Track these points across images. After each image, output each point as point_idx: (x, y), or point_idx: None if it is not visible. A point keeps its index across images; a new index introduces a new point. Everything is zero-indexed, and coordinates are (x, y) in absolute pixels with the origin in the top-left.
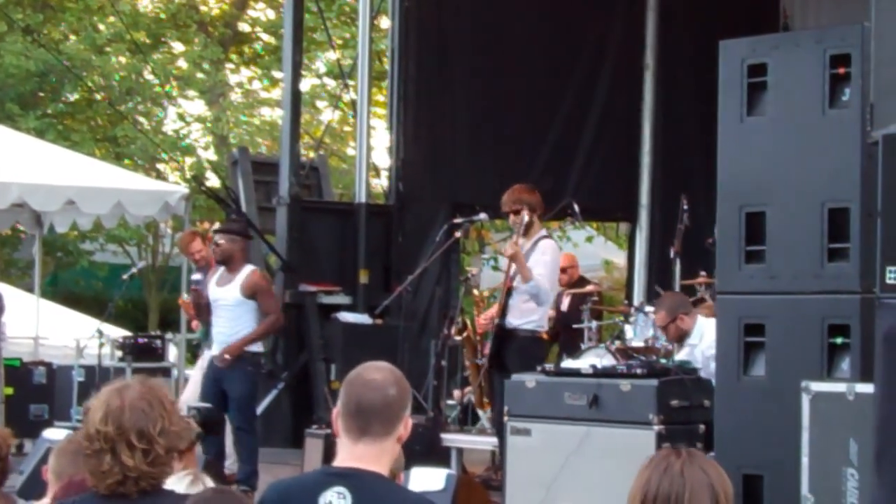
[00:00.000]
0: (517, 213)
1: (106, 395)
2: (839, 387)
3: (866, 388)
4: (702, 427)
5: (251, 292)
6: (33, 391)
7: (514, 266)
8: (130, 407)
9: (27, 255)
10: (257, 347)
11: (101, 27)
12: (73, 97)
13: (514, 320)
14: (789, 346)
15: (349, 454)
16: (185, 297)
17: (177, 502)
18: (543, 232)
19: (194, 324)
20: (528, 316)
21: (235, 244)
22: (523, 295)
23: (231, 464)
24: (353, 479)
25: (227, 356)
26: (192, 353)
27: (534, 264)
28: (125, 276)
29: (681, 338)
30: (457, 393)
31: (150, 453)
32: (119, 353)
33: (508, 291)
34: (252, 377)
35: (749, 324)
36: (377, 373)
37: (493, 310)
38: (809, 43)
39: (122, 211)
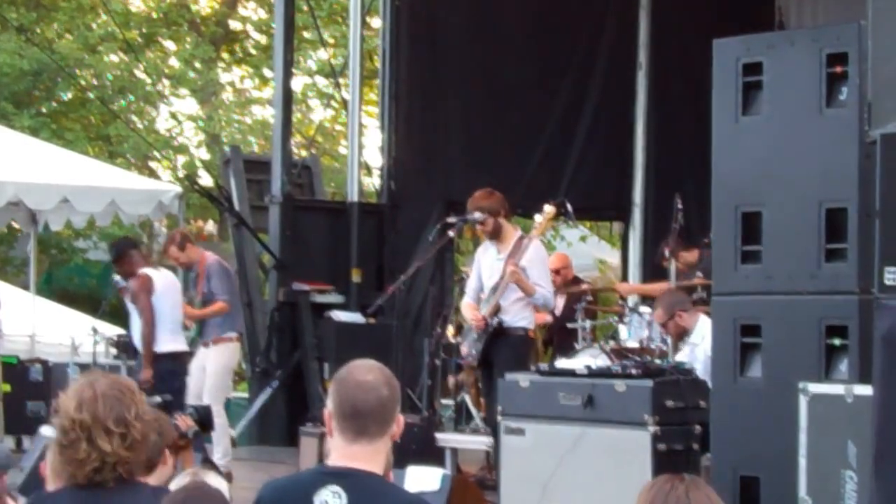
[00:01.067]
0: (484, 223)
1: (77, 386)
2: (837, 389)
3: (865, 389)
4: (697, 428)
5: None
6: (30, 388)
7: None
8: (103, 395)
9: (22, 253)
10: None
11: (94, 26)
12: (67, 96)
13: (506, 317)
14: (786, 347)
15: (344, 454)
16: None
17: (153, 493)
18: (519, 232)
19: (188, 322)
20: (520, 314)
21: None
22: (512, 297)
23: (220, 458)
24: (348, 478)
25: None
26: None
27: (527, 264)
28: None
29: (681, 335)
30: (452, 379)
31: (128, 437)
32: (114, 351)
33: (502, 292)
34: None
35: (745, 325)
36: (369, 373)
37: (486, 310)
38: (805, 41)
39: (116, 209)
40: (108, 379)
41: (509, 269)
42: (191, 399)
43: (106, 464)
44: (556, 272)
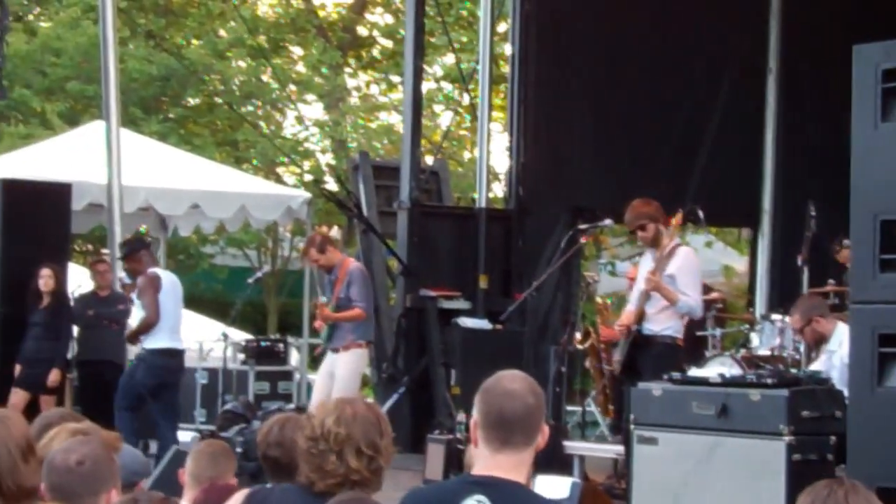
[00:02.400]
0: (643, 228)
1: (337, 402)
2: None
3: None
4: (833, 438)
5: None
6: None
7: (648, 285)
8: (362, 416)
9: None
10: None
11: (222, 32)
12: (195, 101)
13: (652, 327)
14: None
15: (489, 463)
16: (322, 299)
17: None
18: (677, 240)
19: (318, 324)
20: (666, 323)
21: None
22: (661, 303)
23: None
24: (493, 487)
25: None
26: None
27: (675, 272)
28: (251, 280)
29: (818, 342)
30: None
31: (374, 462)
32: (242, 357)
33: (646, 297)
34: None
35: (884, 334)
36: (515, 382)
37: (626, 318)
38: None
39: (245, 215)
40: (367, 404)
41: (646, 277)
42: (312, 406)
43: (348, 480)
44: None
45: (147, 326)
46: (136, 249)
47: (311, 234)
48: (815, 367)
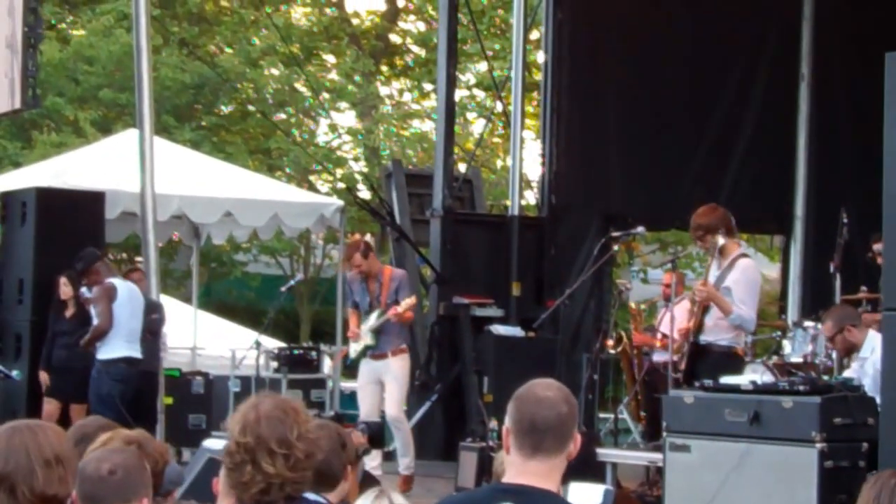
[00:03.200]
0: (701, 238)
1: (242, 409)
2: None
3: None
4: (865, 445)
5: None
6: (192, 401)
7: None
8: (266, 417)
9: (182, 266)
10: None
11: (255, 40)
12: (228, 109)
13: (709, 336)
14: None
15: (520, 471)
16: (350, 307)
17: None
18: (741, 250)
19: (351, 332)
20: (723, 332)
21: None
22: (718, 312)
23: (406, 468)
24: (523, 495)
25: None
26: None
27: (732, 284)
28: (284, 289)
29: (849, 350)
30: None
31: (291, 458)
32: (274, 364)
33: (704, 309)
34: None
35: None
36: (548, 390)
37: (685, 326)
38: None
39: (278, 223)
40: (273, 400)
41: (698, 288)
42: (364, 415)
43: (272, 485)
44: None
45: (99, 333)
46: (91, 262)
47: (353, 240)
48: (847, 374)
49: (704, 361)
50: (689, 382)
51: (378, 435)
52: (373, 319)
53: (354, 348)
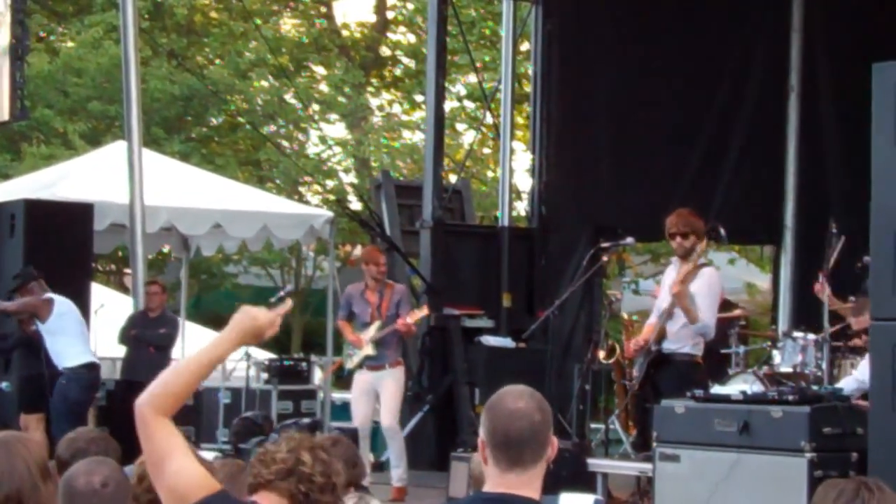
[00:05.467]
0: (685, 236)
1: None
2: None
3: None
4: (855, 455)
5: None
6: (181, 413)
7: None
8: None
9: (172, 278)
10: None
11: (245, 52)
12: (217, 121)
13: (671, 345)
14: None
15: (500, 482)
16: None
17: None
18: (703, 259)
19: (357, 340)
20: (685, 341)
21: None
22: (682, 320)
23: (398, 479)
24: None
25: None
26: (337, 375)
27: (696, 291)
28: (272, 300)
29: None
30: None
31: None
32: (265, 376)
33: (668, 316)
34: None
35: None
36: (520, 400)
37: (645, 333)
38: None
39: (267, 234)
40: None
41: (675, 290)
42: (357, 425)
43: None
44: None
45: (28, 306)
46: (26, 281)
47: (372, 247)
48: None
49: (667, 370)
50: (647, 390)
51: (354, 442)
52: (373, 330)
53: (353, 359)
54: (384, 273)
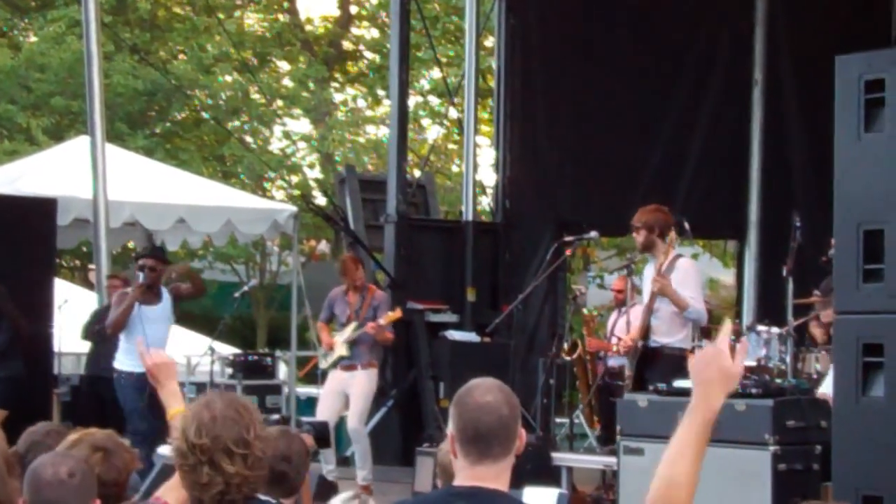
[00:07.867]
0: (637, 230)
1: (194, 409)
2: None
3: None
4: (818, 448)
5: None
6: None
7: (655, 286)
8: (222, 417)
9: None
10: None
11: (208, 47)
12: (181, 116)
13: (660, 338)
14: None
15: (469, 475)
16: (322, 318)
17: None
18: (676, 251)
19: (326, 344)
20: (674, 334)
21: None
22: (668, 314)
23: (363, 479)
24: (477, 497)
25: None
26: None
27: (679, 286)
28: (236, 295)
29: None
30: None
31: (249, 457)
32: (230, 371)
33: (651, 312)
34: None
35: (868, 343)
36: (488, 394)
37: (632, 334)
38: None
39: (231, 229)
40: (225, 399)
41: (654, 278)
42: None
43: (231, 485)
44: None
45: None
46: None
47: (348, 255)
48: None
49: (657, 365)
50: (639, 387)
51: (324, 434)
52: (349, 331)
53: (328, 358)
54: (363, 280)
